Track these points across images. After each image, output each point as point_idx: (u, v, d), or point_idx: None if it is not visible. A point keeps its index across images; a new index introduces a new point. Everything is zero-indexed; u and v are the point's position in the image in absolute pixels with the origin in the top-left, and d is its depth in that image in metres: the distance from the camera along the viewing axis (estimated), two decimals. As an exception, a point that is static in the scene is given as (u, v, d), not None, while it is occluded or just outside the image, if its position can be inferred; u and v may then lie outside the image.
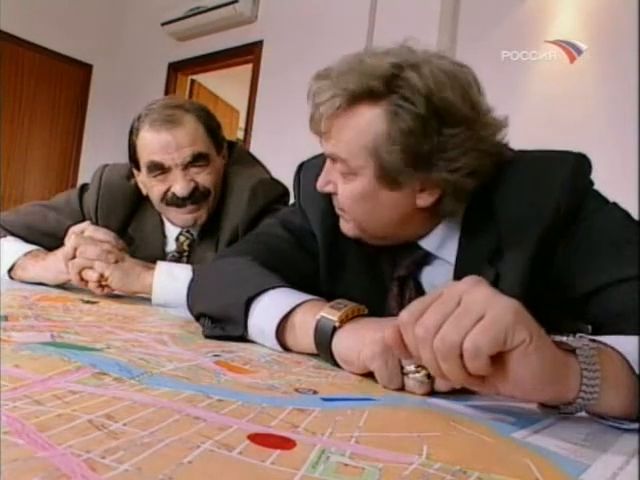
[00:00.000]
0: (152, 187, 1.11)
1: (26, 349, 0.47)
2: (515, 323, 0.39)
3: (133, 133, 1.11)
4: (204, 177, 1.10)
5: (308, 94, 0.71)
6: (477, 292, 0.41)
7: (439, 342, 0.40)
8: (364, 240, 0.78)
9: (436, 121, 0.64)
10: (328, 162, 0.74)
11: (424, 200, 0.70)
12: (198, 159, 1.08)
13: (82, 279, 0.96)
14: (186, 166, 1.08)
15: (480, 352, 0.38)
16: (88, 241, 0.96)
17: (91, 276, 0.95)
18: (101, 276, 0.95)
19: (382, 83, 0.65)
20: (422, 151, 0.65)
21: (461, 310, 0.40)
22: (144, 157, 1.09)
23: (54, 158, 4.61)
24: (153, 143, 1.07)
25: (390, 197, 0.70)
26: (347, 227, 0.77)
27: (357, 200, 0.71)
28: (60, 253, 0.99)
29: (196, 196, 1.09)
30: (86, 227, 0.99)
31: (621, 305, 0.61)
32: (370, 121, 0.66)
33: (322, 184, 0.75)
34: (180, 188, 1.07)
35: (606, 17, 2.46)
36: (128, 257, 1.00)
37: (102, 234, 0.98)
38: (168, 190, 1.09)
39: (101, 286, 0.96)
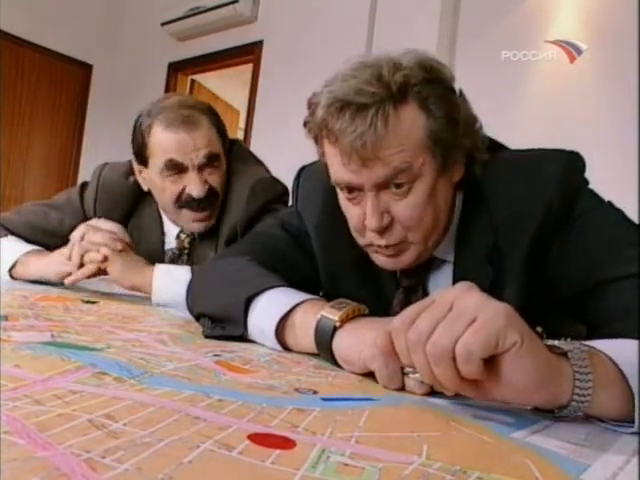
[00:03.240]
0: (164, 188, 1.11)
1: (26, 349, 0.47)
2: (507, 326, 0.39)
3: (143, 129, 1.09)
4: (215, 179, 1.12)
5: (325, 134, 0.67)
6: (469, 297, 0.41)
7: (431, 346, 0.40)
8: (409, 265, 0.73)
9: (450, 89, 0.69)
10: (371, 197, 0.67)
11: (458, 172, 0.71)
12: (213, 160, 1.10)
13: (82, 266, 0.97)
14: (201, 167, 1.09)
15: (472, 355, 0.39)
16: (97, 230, 0.99)
17: (94, 257, 0.96)
18: (104, 261, 0.96)
19: (394, 84, 0.64)
20: (457, 115, 0.68)
21: (453, 315, 0.41)
22: (159, 155, 1.08)
23: (54, 158, 4.61)
24: (171, 142, 1.07)
25: (444, 184, 0.69)
26: (408, 255, 0.70)
27: (425, 205, 0.67)
28: (65, 248, 1.00)
29: (209, 198, 1.10)
30: (96, 221, 1.03)
31: (619, 303, 0.61)
32: (411, 118, 0.65)
33: (379, 220, 0.67)
34: (196, 189, 1.08)
35: (606, 17, 2.46)
36: (133, 254, 1.02)
37: (110, 225, 1.01)
38: (182, 192, 1.09)
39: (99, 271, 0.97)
